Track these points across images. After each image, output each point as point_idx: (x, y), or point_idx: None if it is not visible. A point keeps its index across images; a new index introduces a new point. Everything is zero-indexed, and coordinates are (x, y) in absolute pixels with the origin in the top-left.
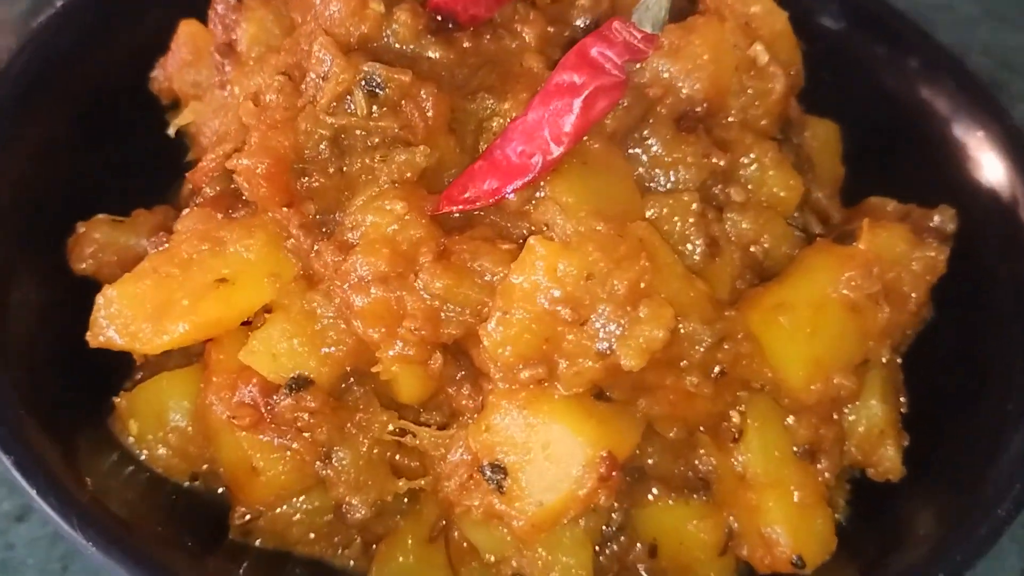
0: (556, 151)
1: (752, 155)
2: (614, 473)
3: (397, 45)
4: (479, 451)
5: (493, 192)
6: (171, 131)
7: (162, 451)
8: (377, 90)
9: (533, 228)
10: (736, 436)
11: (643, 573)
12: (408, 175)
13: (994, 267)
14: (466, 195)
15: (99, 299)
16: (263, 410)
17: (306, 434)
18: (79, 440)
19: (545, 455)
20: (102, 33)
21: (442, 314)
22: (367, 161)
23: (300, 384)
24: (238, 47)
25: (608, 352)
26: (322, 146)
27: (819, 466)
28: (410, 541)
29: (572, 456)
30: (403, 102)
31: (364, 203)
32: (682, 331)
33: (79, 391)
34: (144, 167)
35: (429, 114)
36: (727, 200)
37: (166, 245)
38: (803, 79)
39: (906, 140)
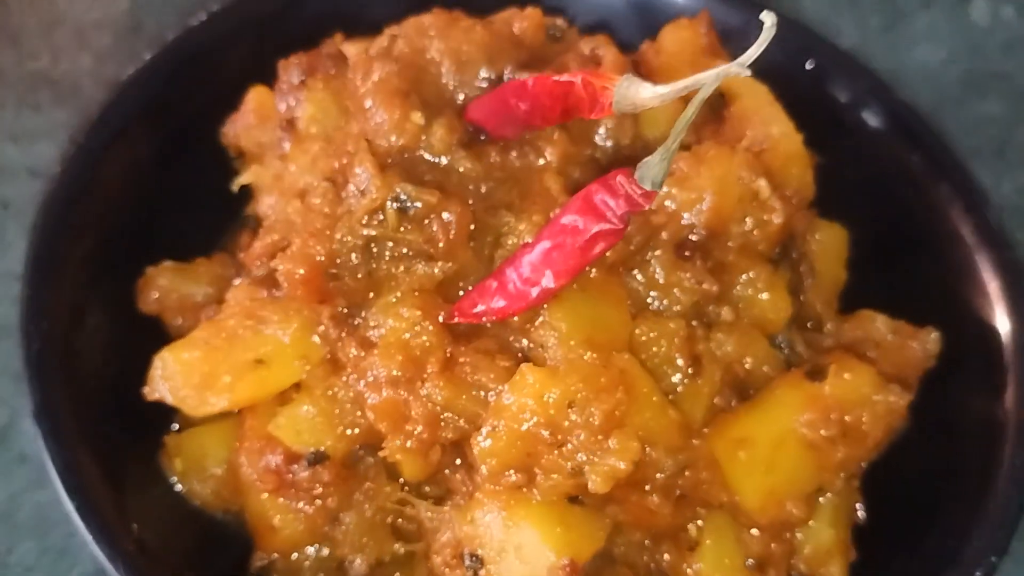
0: (554, 284)
1: (747, 276)
2: None
3: (430, 156)
4: (463, 539)
5: (500, 311)
6: (234, 187)
7: (200, 489)
8: (407, 207)
9: (532, 345)
10: (693, 546)
11: None
12: (427, 285)
13: (968, 396)
14: (476, 310)
15: (156, 361)
16: (284, 477)
17: (318, 501)
18: (133, 473)
19: (517, 554)
20: (182, 87)
21: (441, 420)
22: (392, 269)
23: (318, 459)
24: (298, 124)
25: (578, 474)
26: (353, 254)
27: None
28: None
29: (539, 560)
30: (429, 218)
31: (385, 305)
32: (648, 457)
33: (137, 425)
34: (212, 210)
35: (452, 232)
36: (717, 319)
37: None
38: (813, 194)
39: (914, 253)
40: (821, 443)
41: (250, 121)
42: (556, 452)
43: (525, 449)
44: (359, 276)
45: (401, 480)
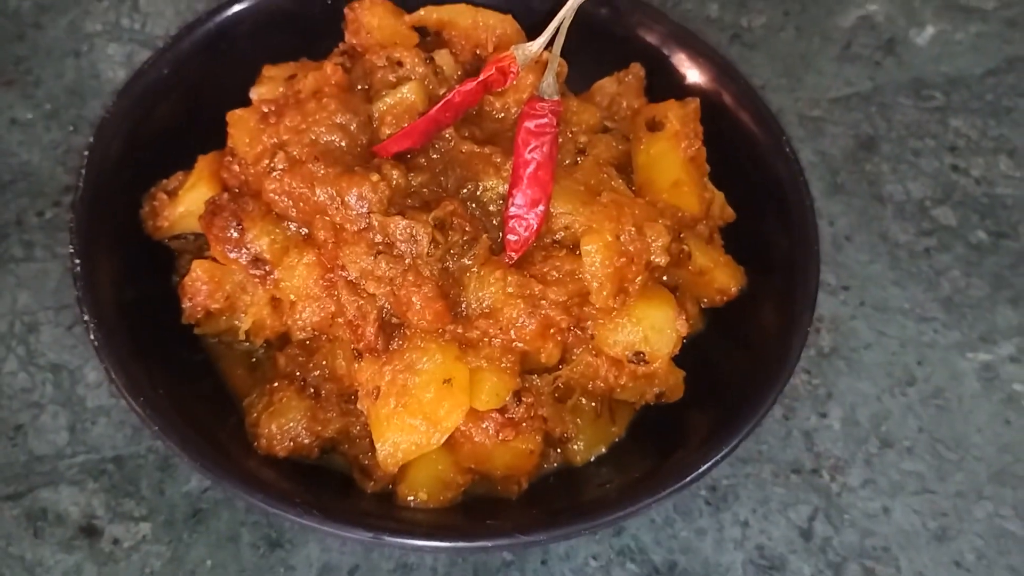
0: (550, 189)
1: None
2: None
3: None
4: (617, 354)
5: (533, 232)
6: (242, 335)
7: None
8: (450, 223)
9: (562, 233)
10: (688, 257)
11: None
12: (488, 254)
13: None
14: (518, 244)
15: (382, 449)
16: (512, 419)
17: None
18: None
19: (656, 332)
20: None
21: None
22: (464, 262)
23: (518, 396)
24: (265, 255)
25: (651, 264)
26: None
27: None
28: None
29: (668, 323)
30: (451, 220)
31: (477, 286)
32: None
33: None
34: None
35: (467, 215)
36: (577, 134)
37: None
38: None
39: None
40: (698, 151)
41: (209, 290)
42: (635, 266)
43: (621, 278)
44: (451, 283)
45: None
